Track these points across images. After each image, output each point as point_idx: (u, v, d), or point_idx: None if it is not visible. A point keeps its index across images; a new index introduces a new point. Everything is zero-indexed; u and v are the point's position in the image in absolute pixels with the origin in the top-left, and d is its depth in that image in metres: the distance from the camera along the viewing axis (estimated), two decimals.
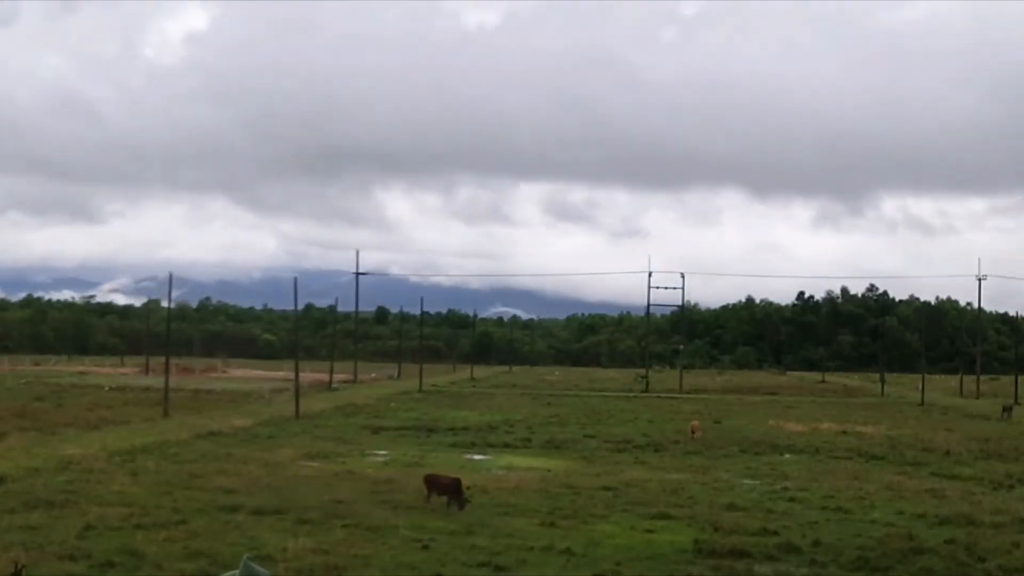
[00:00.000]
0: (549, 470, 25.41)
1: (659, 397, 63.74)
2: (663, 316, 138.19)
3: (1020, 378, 66.48)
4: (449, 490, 19.07)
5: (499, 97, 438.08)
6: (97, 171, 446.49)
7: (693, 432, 34.53)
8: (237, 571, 9.70)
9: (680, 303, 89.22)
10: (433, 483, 19.52)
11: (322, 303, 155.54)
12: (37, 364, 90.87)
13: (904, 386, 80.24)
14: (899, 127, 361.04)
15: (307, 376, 59.03)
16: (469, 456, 28.53)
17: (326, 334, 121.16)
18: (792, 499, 21.36)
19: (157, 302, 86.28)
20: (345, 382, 68.63)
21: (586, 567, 14.73)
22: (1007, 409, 50.11)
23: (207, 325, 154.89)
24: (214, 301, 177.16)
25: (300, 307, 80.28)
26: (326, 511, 18.20)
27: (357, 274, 79.65)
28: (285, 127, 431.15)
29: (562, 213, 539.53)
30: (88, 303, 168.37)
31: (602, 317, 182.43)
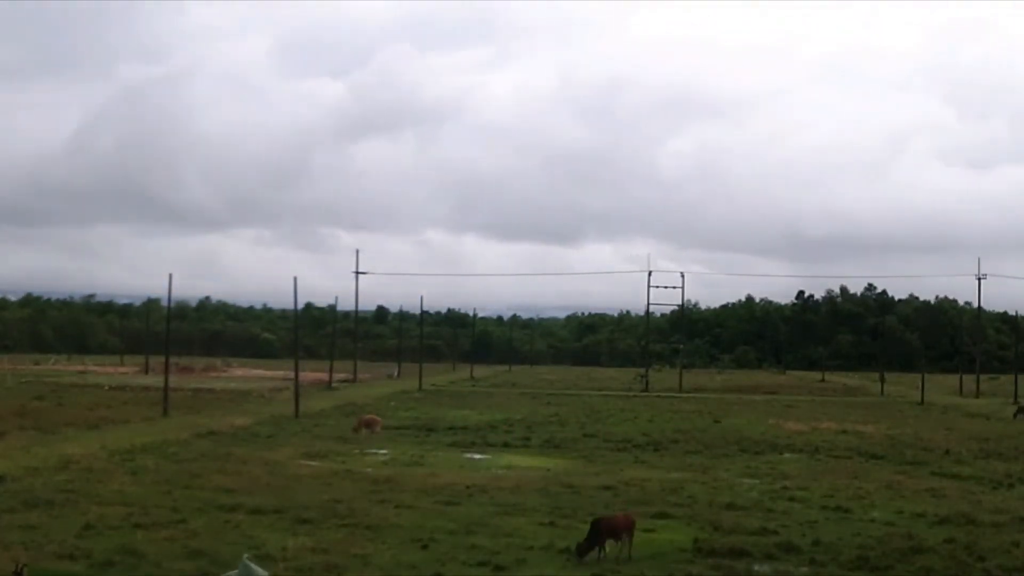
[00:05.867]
0: (549, 469, 25.41)
1: (659, 396, 63.72)
2: (663, 315, 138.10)
3: (1020, 377, 66.40)
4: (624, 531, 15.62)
5: None
6: None
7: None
8: (236, 571, 9.70)
9: (680, 302, 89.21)
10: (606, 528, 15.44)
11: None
12: (37, 363, 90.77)
13: (904, 385, 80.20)
14: None
15: (307, 375, 59.03)
16: (469, 455, 28.54)
17: (326, 333, 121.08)
18: (792, 498, 21.35)
19: (157, 301, 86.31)
20: (345, 381, 68.61)
21: (586, 566, 14.73)
22: (1022, 410, 49.43)
23: (207, 324, 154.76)
24: (214, 300, 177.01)
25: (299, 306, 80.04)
26: (325, 510, 18.20)
27: (357, 273, 79.65)
28: None
29: None
30: (88, 302, 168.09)
31: (602, 316, 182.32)
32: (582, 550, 14.94)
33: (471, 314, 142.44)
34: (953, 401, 64.05)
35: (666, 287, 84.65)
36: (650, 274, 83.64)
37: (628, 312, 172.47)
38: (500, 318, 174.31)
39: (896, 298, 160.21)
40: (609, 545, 15.38)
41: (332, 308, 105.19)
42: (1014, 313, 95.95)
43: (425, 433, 34.55)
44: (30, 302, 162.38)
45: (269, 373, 79.68)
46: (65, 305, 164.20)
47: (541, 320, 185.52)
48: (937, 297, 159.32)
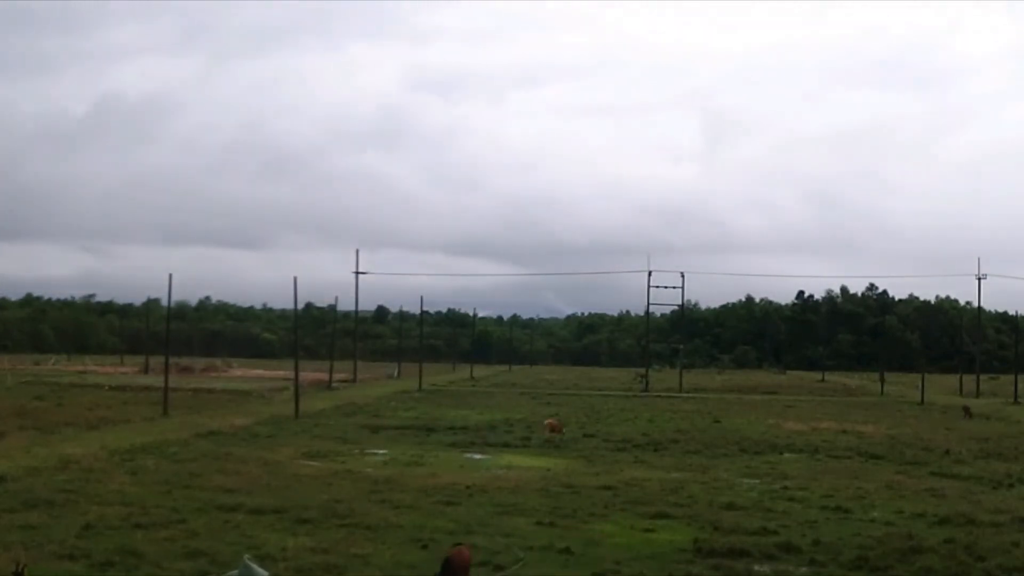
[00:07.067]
0: (549, 469, 25.41)
1: (659, 396, 63.75)
2: (663, 315, 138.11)
3: (1020, 377, 66.41)
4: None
5: None
6: None
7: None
8: (237, 571, 9.70)
9: (680, 302, 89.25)
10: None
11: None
12: (37, 363, 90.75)
13: (904, 385, 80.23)
14: None
15: (307, 375, 59.00)
16: (469, 455, 28.54)
17: (325, 333, 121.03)
18: (791, 498, 21.35)
19: (157, 301, 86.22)
20: (344, 381, 68.61)
21: (585, 566, 14.72)
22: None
23: (207, 324, 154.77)
24: (214, 300, 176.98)
25: (299, 306, 79.95)
26: (325, 510, 18.19)
27: (357, 273, 79.63)
28: None
29: None
30: (88, 302, 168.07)
31: (601, 316, 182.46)
32: None
33: (471, 314, 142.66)
34: (953, 401, 64.03)
35: (666, 287, 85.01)
36: (650, 274, 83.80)
37: (628, 312, 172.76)
38: (500, 318, 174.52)
39: (896, 298, 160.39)
40: None
41: (332, 308, 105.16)
42: (1014, 313, 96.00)
43: (425, 433, 34.56)
44: (30, 302, 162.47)
45: (269, 373, 79.65)
46: (65, 305, 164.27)
47: (541, 320, 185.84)
48: (937, 297, 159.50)
